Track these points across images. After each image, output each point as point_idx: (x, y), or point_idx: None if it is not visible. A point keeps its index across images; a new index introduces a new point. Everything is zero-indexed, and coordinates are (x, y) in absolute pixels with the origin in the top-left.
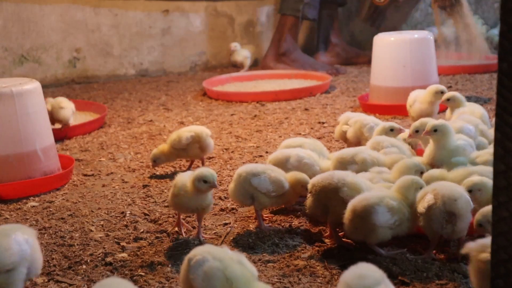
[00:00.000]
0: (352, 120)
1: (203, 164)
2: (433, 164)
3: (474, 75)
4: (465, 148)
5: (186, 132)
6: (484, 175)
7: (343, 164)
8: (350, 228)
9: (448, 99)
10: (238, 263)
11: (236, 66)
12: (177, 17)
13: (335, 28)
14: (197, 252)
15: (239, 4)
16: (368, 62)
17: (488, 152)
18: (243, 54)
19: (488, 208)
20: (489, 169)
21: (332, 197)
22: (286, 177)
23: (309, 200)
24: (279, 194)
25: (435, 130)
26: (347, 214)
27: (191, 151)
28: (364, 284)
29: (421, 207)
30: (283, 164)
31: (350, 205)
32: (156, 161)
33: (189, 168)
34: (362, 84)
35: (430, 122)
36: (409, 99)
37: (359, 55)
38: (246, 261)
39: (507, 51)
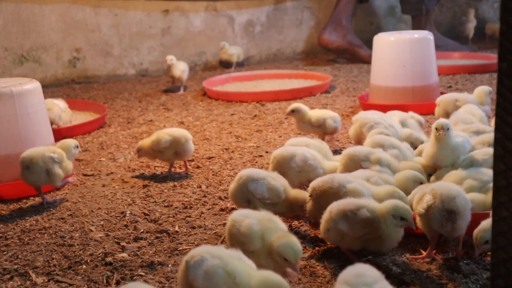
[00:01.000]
0: (354, 118)
1: (186, 168)
2: (435, 164)
3: (474, 75)
4: (464, 145)
5: (166, 135)
6: (477, 178)
7: (354, 162)
8: (323, 229)
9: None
10: (238, 258)
11: (174, 82)
12: (177, 17)
13: (349, 13)
14: (194, 253)
15: (239, 4)
16: (368, 58)
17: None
18: (180, 68)
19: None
20: (482, 171)
21: (333, 200)
22: (286, 187)
23: (309, 204)
24: (274, 202)
25: (448, 129)
26: (325, 214)
27: (166, 156)
28: (363, 282)
29: (421, 208)
30: (288, 162)
31: (329, 207)
32: (138, 152)
33: (169, 172)
34: (362, 84)
35: (439, 121)
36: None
37: (362, 47)
38: (244, 256)
39: (507, 50)
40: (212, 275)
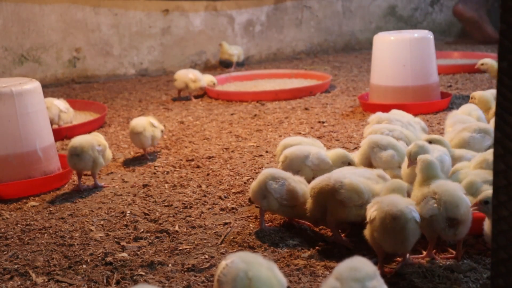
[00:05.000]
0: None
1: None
2: (412, 182)
3: (474, 74)
4: (443, 160)
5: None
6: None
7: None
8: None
9: None
10: (268, 268)
11: None
12: (177, 16)
13: None
14: (229, 257)
15: (239, 3)
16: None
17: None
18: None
19: None
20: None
21: (330, 197)
22: (305, 193)
23: (309, 203)
24: (291, 204)
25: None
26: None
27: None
28: (355, 276)
29: (425, 214)
30: (302, 160)
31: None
32: None
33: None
34: (362, 84)
35: (411, 148)
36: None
37: (489, 25)
38: (278, 271)
39: (507, 50)
40: (234, 278)
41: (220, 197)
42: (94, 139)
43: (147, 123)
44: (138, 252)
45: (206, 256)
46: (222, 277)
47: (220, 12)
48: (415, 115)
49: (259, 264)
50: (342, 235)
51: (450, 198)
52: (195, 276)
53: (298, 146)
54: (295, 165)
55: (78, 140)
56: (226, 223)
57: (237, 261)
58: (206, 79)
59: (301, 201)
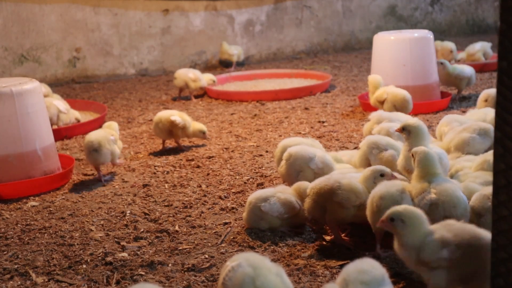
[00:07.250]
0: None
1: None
2: (407, 169)
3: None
4: (441, 157)
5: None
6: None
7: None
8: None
9: None
10: (276, 275)
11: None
12: (177, 16)
13: None
14: (235, 258)
15: (239, 3)
16: None
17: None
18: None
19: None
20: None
21: (328, 198)
22: (296, 199)
23: (307, 203)
24: (292, 215)
25: (403, 129)
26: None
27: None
28: (361, 279)
29: (423, 207)
30: (306, 162)
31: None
32: None
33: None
34: (362, 83)
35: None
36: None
37: None
38: (285, 276)
39: (507, 49)
40: (240, 283)
41: (220, 197)
42: (107, 132)
43: (165, 118)
44: (138, 252)
45: (206, 256)
46: (228, 281)
47: (220, 12)
48: (415, 114)
49: (267, 270)
50: (342, 235)
51: (448, 199)
52: (195, 276)
53: (303, 146)
54: (297, 165)
55: (94, 136)
56: (226, 223)
57: (244, 264)
58: (206, 78)
59: (299, 209)
